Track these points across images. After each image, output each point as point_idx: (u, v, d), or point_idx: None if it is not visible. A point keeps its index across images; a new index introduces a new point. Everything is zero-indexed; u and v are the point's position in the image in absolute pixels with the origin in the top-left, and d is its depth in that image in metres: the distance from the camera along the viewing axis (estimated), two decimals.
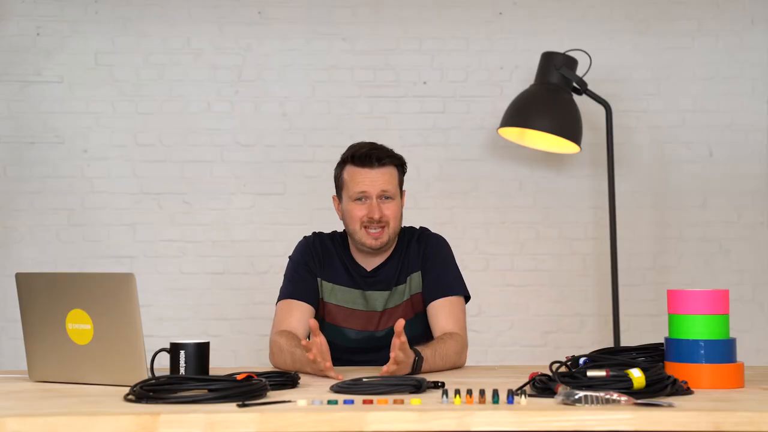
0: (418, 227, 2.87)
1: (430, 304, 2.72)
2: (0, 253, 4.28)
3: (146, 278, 4.20)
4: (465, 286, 2.78)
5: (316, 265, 2.76)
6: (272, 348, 2.63)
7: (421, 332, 2.72)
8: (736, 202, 4.38)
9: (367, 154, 2.70)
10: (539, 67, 4.00)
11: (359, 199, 2.70)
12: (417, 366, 2.42)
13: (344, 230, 2.85)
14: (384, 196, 2.70)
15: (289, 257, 2.82)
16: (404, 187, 2.82)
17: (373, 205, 2.68)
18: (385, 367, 2.31)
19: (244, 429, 1.72)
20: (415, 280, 2.76)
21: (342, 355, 2.72)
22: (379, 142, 2.80)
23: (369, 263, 2.78)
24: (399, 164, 2.76)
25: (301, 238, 2.88)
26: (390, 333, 2.69)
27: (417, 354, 2.43)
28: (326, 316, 2.75)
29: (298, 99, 4.38)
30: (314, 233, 2.84)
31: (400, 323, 2.30)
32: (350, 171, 2.72)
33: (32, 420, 1.73)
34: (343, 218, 2.77)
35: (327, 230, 2.90)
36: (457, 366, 2.61)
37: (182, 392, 1.88)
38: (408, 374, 2.38)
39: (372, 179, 2.69)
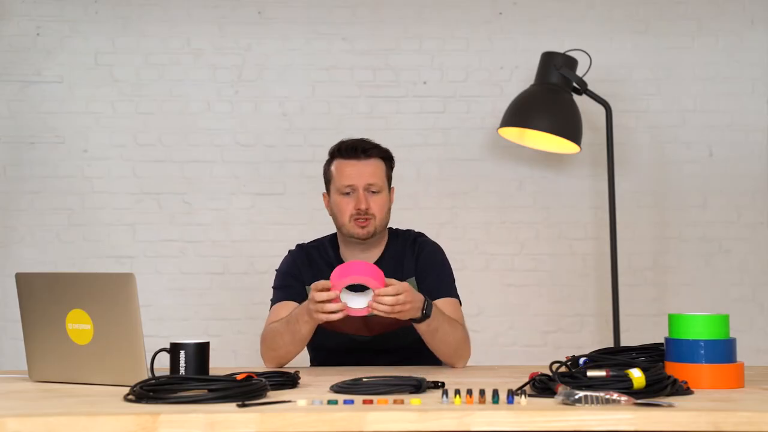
0: (414, 231, 2.87)
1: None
2: (0, 253, 4.28)
3: (146, 278, 4.20)
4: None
5: (303, 275, 2.75)
6: (265, 336, 2.63)
7: (412, 339, 2.71)
8: (736, 202, 4.38)
9: (352, 146, 2.73)
10: (539, 67, 4.00)
11: (347, 193, 2.71)
12: (427, 309, 2.45)
13: (331, 235, 2.86)
14: (370, 190, 2.71)
15: (276, 270, 2.83)
16: (396, 185, 2.83)
17: (360, 197, 2.70)
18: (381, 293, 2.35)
19: (244, 429, 1.72)
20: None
21: (335, 357, 2.73)
22: (374, 140, 2.81)
23: None
24: (385, 157, 2.78)
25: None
26: (379, 338, 2.70)
27: (425, 297, 2.46)
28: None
29: (298, 99, 4.38)
30: (298, 246, 2.85)
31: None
32: (337, 164, 2.75)
33: (32, 420, 1.73)
34: (331, 213, 2.79)
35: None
36: (459, 356, 2.61)
37: (182, 392, 1.88)
38: (417, 319, 2.45)
39: (359, 171, 2.71)
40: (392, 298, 2.35)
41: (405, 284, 2.39)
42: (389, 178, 2.80)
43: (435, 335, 2.53)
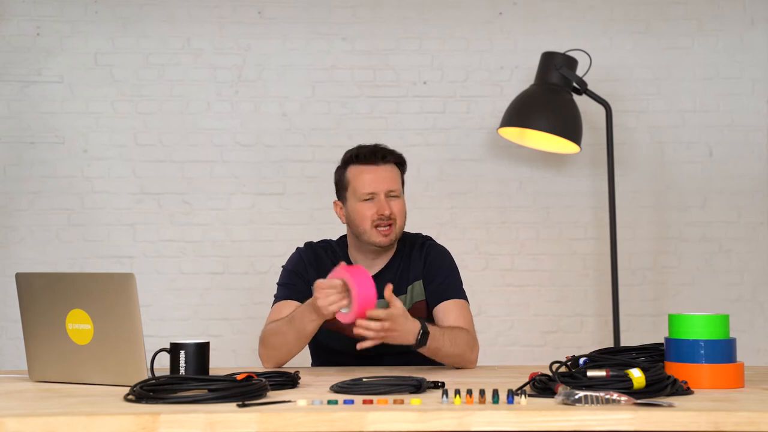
0: (422, 235, 2.86)
1: (438, 306, 2.70)
2: (0, 253, 4.28)
3: (146, 278, 4.20)
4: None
5: (309, 276, 2.74)
6: (265, 335, 2.63)
7: None
8: (736, 202, 4.38)
9: (372, 152, 2.71)
10: (539, 67, 4.00)
11: (367, 199, 2.68)
12: (422, 338, 2.44)
13: (339, 237, 2.85)
14: (391, 195, 2.70)
15: (282, 266, 2.82)
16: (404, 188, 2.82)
17: (382, 202, 2.67)
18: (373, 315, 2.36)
19: (244, 429, 1.72)
20: (417, 289, 2.74)
21: (344, 359, 2.72)
22: (381, 143, 2.80)
23: (369, 268, 2.74)
24: (400, 162, 2.76)
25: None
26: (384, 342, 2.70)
27: (422, 325, 2.45)
28: (325, 322, 2.73)
29: (298, 99, 4.38)
30: (306, 244, 2.83)
31: (389, 287, 2.40)
32: (355, 170, 2.71)
33: (32, 420, 1.73)
34: (348, 220, 2.75)
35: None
36: (467, 361, 2.60)
37: (182, 392, 1.88)
38: (412, 346, 2.44)
39: (378, 177, 2.69)
40: (377, 323, 2.36)
41: (395, 311, 2.38)
42: (403, 183, 2.78)
43: (437, 354, 2.53)
